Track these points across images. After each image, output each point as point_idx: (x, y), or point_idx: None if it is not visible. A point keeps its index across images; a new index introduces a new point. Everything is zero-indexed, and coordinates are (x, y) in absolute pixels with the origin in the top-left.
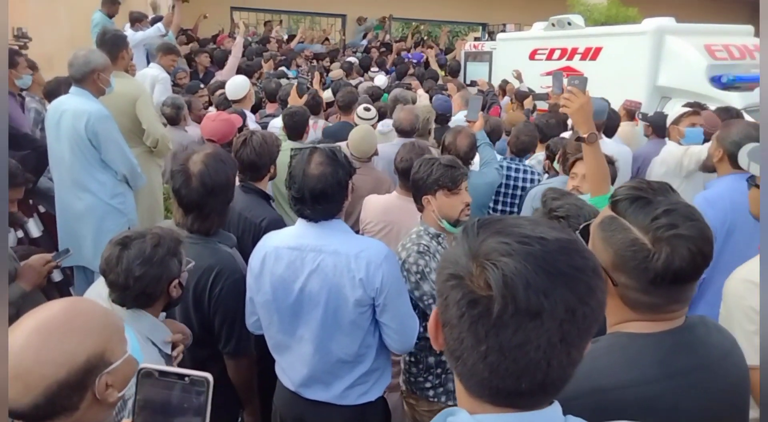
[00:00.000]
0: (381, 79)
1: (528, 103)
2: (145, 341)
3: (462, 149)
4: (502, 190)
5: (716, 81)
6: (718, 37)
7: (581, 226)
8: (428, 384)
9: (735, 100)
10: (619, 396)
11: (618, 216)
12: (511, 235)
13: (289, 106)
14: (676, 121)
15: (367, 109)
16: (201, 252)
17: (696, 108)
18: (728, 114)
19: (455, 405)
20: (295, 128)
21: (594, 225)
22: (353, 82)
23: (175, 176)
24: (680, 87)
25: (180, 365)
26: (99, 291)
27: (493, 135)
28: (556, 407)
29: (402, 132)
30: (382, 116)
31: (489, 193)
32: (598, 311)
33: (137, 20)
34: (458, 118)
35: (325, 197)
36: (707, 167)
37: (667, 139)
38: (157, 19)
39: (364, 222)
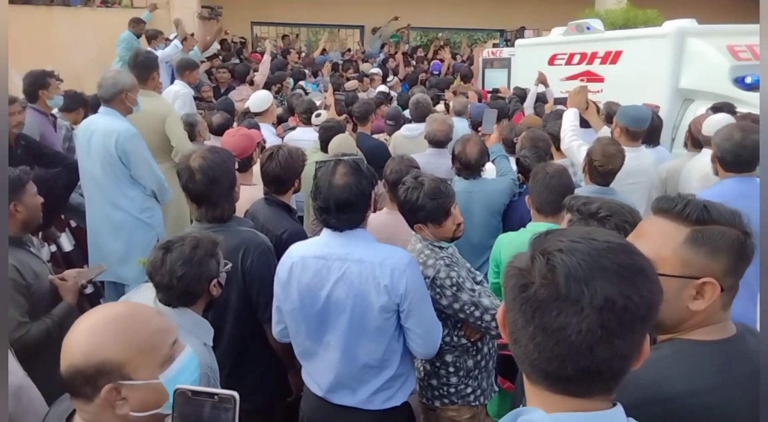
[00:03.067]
0: (381, 89)
1: (549, 108)
2: (187, 333)
3: (472, 157)
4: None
5: (740, 82)
6: (741, 37)
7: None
8: (469, 389)
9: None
10: (685, 404)
11: (703, 225)
12: (567, 236)
13: (326, 120)
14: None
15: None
16: (226, 237)
17: (727, 109)
18: (716, 111)
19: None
20: (330, 141)
21: (677, 247)
22: (365, 93)
23: (180, 175)
24: (703, 89)
25: (222, 344)
26: (143, 297)
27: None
28: (619, 409)
29: (436, 143)
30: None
31: (502, 200)
32: (643, 308)
33: (153, 38)
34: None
35: (350, 207)
36: None
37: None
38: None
39: None
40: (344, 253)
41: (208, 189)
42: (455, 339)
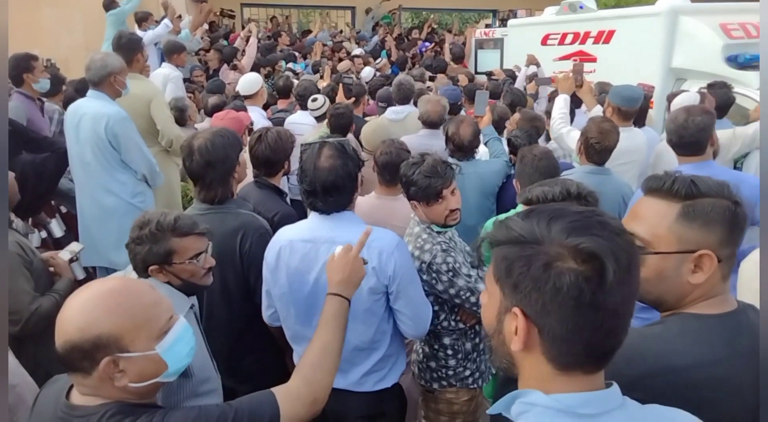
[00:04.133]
0: (367, 71)
1: (531, 88)
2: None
3: (465, 138)
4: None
5: (733, 61)
6: (734, 15)
7: None
8: (467, 372)
9: (752, 79)
10: (691, 376)
11: (693, 200)
12: (566, 215)
13: (336, 104)
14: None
15: (313, 100)
16: (222, 219)
17: (721, 87)
18: (713, 88)
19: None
20: (341, 128)
21: (671, 224)
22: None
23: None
24: (696, 68)
25: (219, 328)
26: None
27: (501, 123)
28: (616, 389)
29: (429, 124)
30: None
31: (495, 181)
32: (638, 263)
33: (143, 20)
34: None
35: (336, 189)
36: None
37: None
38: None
39: None
40: (332, 236)
41: (204, 170)
42: (452, 323)
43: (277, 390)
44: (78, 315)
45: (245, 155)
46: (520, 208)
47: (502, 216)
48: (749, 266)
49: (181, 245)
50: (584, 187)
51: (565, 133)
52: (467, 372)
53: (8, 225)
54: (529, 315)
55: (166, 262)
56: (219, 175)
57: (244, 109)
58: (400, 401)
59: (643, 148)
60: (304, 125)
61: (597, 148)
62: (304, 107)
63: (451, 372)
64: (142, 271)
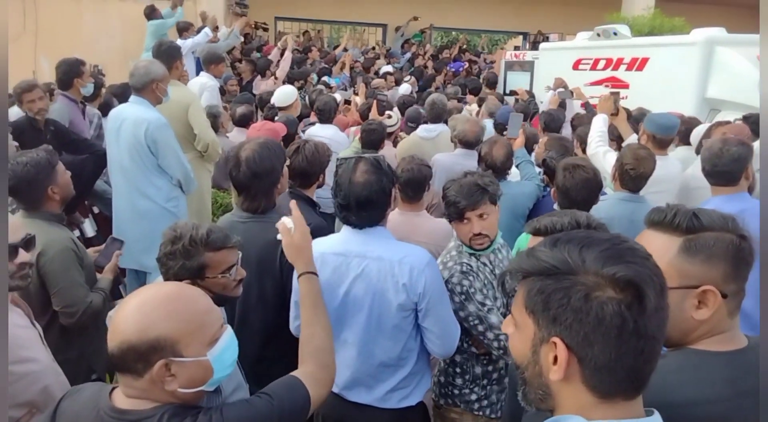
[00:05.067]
0: (405, 87)
1: (554, 102)
2: None
3: (498, 159)
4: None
5: None
6: None
7: None
8: (474, 396)
9: None
10: (689, 413)
11: (695, 234)
12: (596, 243)
13: (368, 121)
14: (707, 134)
15: (389, 117)
16: (263, 228)
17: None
18: (748, 120)
19: (497, 417)
20: (372, 143)
21: (672, 259)
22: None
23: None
24: (731, 99)
25: (252, 334)
26: None
27: (528, 144)
28: (657, 417)
29: (465, 143)
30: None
31: (526, 203)
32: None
33: (184, 29)
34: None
35: (370, 204)
36: None
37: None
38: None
39: None
40: (363, 251)
41: (250, 181)
42: (464, 344)
43: (301, 375)
44: (137, 317)
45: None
46: (527, 237)
47: (522, 240)
48: None
49: (214, 259)
50: (594, 219)
51: (601, 153)
52: (473, 396)
53: (62, 221)
54: (569, 346)
55: (198, 277)
56: (264, 186)
57: (292, 122)
58: (424, 419)
59: (677, 177)
60: (321, 137)
61: (632, 174)
62: (323, 121)
63: (456, 392)
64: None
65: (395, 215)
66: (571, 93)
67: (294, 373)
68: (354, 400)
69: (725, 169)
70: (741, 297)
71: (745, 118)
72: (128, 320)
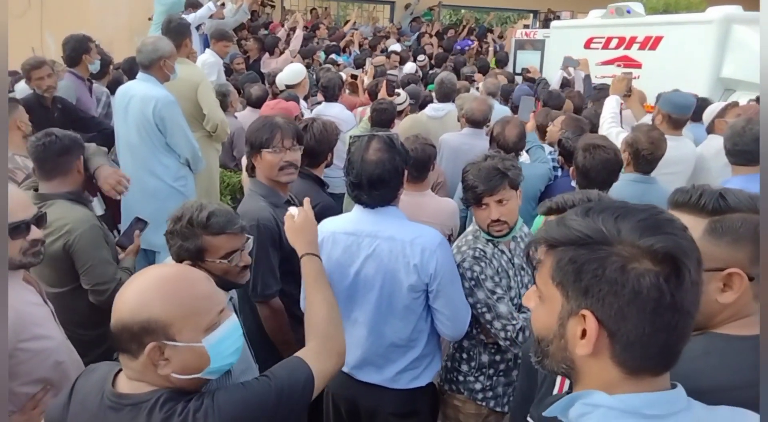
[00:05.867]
0: (409, 66)
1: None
2: None
3: (510, 139)
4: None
5: None
6: None
7: None
8: (479, 386)
9: None
10: (715, 399)
11: (721, 215)
12: (632, 213)
13: (378, 100)
14: (721, 114)
15: (397, 95)
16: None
17: None
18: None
19: (502, 411)
20: (382, 122)
21: (697, 241)
22: (394, 70)
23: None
24: (746, 79)
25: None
26: None
27: (539, 128)
28: (680, 391)
29: (473, 122)
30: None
31: (537, 185)
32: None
33: (192, 6)
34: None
35: (382, 183)
36: None
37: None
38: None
39: None
40: (375, 230)
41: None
42: (473, 330)
43: (303, 353)
44: (132, 297)
45: None
46: (541, 219)
47: (537, 225)
48: None
49: (213, 243)
50: (606, 198)
51: (614, 134)
52: (478, 386)
53: (85, 201)
54: (600, 319)
55: (199, 259)
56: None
57: (296, 99)
58: (433, 400)
59: (691, 158)
60: (329, 117)
61: (648, 158)
62: (328, 98)
63: (461, 378)
64: (178, 263)
65: (401, 195)
66: (578, 62)
67: (297, 353)
68: (364, 380)
69: (746, 148)
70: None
71: (759, 99)
72: (126, 299)
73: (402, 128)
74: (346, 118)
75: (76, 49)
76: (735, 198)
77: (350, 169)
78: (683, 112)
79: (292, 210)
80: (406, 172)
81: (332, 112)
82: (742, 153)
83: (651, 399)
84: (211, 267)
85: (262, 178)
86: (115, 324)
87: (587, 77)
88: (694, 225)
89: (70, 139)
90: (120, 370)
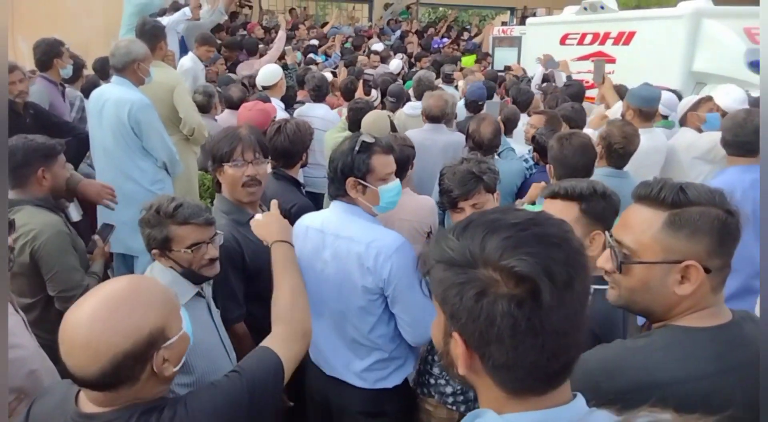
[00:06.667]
0: (395, 64)
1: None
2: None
3: (486, 137)
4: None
5: (755, 65)
6: (758, 19)
7: None
8: (449, 389)
9: None
10: (676, 391)
11: (680, 208)
12: (501, 229)
13: (355, 99)
14: (695, 107)
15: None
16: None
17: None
18: None
19: None
20: (359, 122)
21: (656, 233)
22: (372, 70)
23: None
24: (717, 72)
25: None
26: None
27: (509, 124)
28: (580, 400)
29: (431, 118)
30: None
31: (514, 181)
32: (586, 274)
33: (173, 9)
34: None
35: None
36: None
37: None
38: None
39: None
40: (338, 229)
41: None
42: None
43: (268, 342)
44: (120, 323)
45: None
46: (542, 201)
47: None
48: None
49: (178, 233)
50: (609, 189)
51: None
52: (449, 390)
53: (56, 209)
54: (467, 342)
55: (166, 248)
56: None
57: (269, 101)
58: (404, 402)
59: (663, 148)
60: (312, 117)
61: (621, 152)
62: (317, 99)
63: (432, 381)
64: (150, 252)
65: None
66: (558, 64)
67: (264, 341)
68: (332, 374)
69: (747, 140)
70: (726, 272)
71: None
72: (109, 331)
73: (365, 123)
74: (333, 119)
75: (48, 53)
76: (695, 191)
77: (330, 163)
78: (651, 105)
79: (258, 216)
80: None
81: (318, 112)
82: (743, 144)
83: (536, 418)
84: (177, 257)
85: (227, 193)
86: (111, 360)
87: (569, 78)
88: (654, 218)
89: (29, 150)
90: (80, 390)
